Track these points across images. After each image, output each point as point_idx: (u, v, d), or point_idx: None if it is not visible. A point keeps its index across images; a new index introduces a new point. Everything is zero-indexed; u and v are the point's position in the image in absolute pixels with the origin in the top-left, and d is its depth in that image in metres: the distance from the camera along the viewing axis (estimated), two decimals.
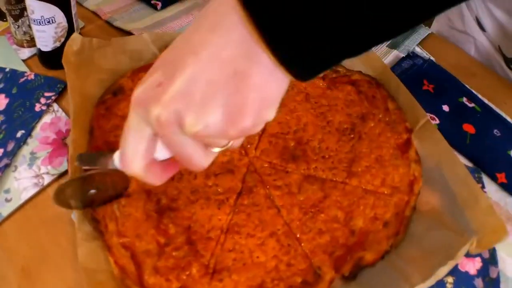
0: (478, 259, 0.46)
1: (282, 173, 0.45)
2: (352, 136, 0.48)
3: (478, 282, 0.45)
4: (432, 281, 0.38)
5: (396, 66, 0.65)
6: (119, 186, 0.41)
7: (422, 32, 0.72)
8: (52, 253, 0.44)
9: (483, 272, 0.45)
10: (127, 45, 0.54)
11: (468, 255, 0.45)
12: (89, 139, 0.45)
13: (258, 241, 0.39)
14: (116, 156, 0.31)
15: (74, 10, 0.57)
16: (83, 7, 0.69)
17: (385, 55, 0.67)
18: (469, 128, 0.59)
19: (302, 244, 0.40)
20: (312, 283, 0.37)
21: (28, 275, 0.42)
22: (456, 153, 0.52)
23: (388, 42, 0.68)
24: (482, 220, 0.42)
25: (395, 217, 0.42)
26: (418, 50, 0.70)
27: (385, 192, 0.44)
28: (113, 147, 0.44)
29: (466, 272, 0.45)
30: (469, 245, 0.39)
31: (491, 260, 0.46)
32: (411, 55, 0.67)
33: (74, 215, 0.45)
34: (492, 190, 0.52)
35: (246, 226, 0.40)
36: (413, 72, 0.64)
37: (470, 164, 0.53)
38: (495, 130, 0.59)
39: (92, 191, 0.40)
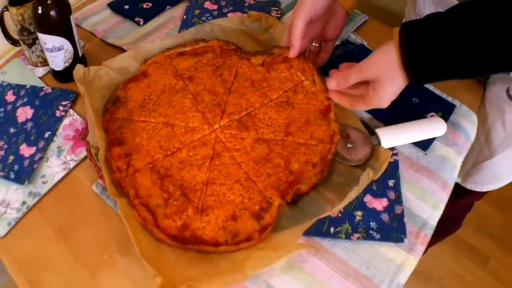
0: (385, 199, 0.56)
1: (239, 139, 0.58)
2: (287, 107, 0.61)
3: (385, 216, 0.55)
4: (345, 202, 0.51)
5: (330, 55, 0.69)
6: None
7: (359, 19, 0.79)
8: (81, 216, 0.56)
9: (389, 209, 0.55)
10: (115, 64, 0.65)
11: (375, 195, 0.56)
12: (106, 135, 0.58)
13: (228, 187, 0.54)
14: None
15: (76, 37, 0.67)
16: (81, 28, 0.79)
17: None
18: None
19: (258, 184, 0.54)
20: (266, 208, 0.53)
21: (64, 233, 0.54)
22: (374, 119, 0.65)
23: None
24: (376, 155, 0.57)
25: (321, 160, 0.56)
26: (352, 37, 0.77)
27: (313, 144, 0.57)
28: (121, 141, 0.58)
29: (374, 209, 0.55)
30: (367, 174, 0.52)
31: (396, 200, 0.56)
32: (345, 43, 0.74)
33: (96, 186, 0.58)
34: (406, 147, 0.63)
35: (219, 178, 0.55)
36: (344, 58, 0.71)
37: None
38: (414, 99, 0.68)
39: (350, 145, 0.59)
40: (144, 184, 0.55)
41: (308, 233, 0.54)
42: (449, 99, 0.70)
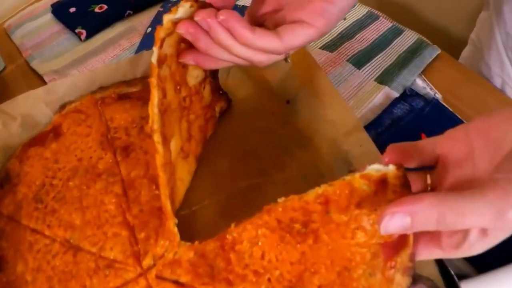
0: None
1: None
2: (304, 232, 0.28)
3: None
4: None
5: (384, 114, 0.44)
6: None
7: (427, 53, 0.49)
8: None
9: None
10: (17, 108, 0.41)
11: None
12: None
13: None
14: None
15: None
16: (11, 41, 0.59)
17: (370, 95, 0.45)
18: None
19: None
20: None
21: None
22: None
23: (377, 76, 0.48)
24: None
25: None
26: (419, 83, 0.49)
27: None
28: None
29: None
30: None
31: None
32: (408, 94, 0.48)
33: None
34: None
35: None
36: (407, 123, 0.45)
37: None
38: None
39: None
40: None
41: None
42: None
